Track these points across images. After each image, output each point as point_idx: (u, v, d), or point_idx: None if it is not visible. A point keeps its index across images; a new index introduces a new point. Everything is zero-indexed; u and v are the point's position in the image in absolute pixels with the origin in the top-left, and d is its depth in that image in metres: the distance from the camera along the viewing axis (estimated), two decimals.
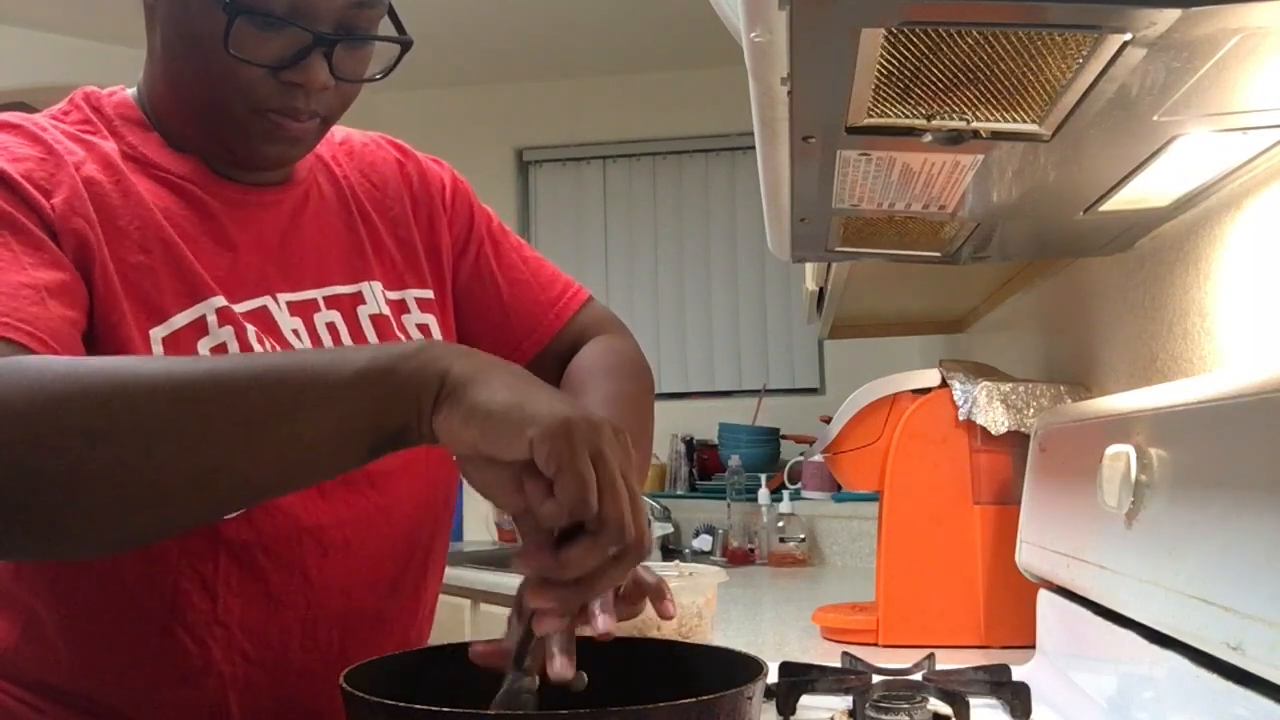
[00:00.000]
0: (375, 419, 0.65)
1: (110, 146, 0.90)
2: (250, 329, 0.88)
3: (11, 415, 0.62)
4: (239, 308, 0.90)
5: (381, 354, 0.66)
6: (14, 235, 0.79)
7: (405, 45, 0.92)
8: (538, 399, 0.63)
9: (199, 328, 0.86)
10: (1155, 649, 0.89)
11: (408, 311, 1.02)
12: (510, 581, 1.46)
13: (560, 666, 0.67)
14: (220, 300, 0.87)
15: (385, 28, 0.92)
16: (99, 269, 0.83)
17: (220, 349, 0.86)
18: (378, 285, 1.00)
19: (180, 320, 0.85)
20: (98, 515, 0.65)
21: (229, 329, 0.87)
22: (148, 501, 0.65)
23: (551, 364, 1.10)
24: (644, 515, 0.65)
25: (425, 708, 0.63)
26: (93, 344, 0.82)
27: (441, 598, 1.09)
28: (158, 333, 0.84)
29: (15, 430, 0.62)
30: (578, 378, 1.06)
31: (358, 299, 0.98)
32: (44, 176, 0.83)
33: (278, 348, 0.90)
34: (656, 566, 1.23)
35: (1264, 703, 0.71)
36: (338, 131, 1.07)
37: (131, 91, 0.96)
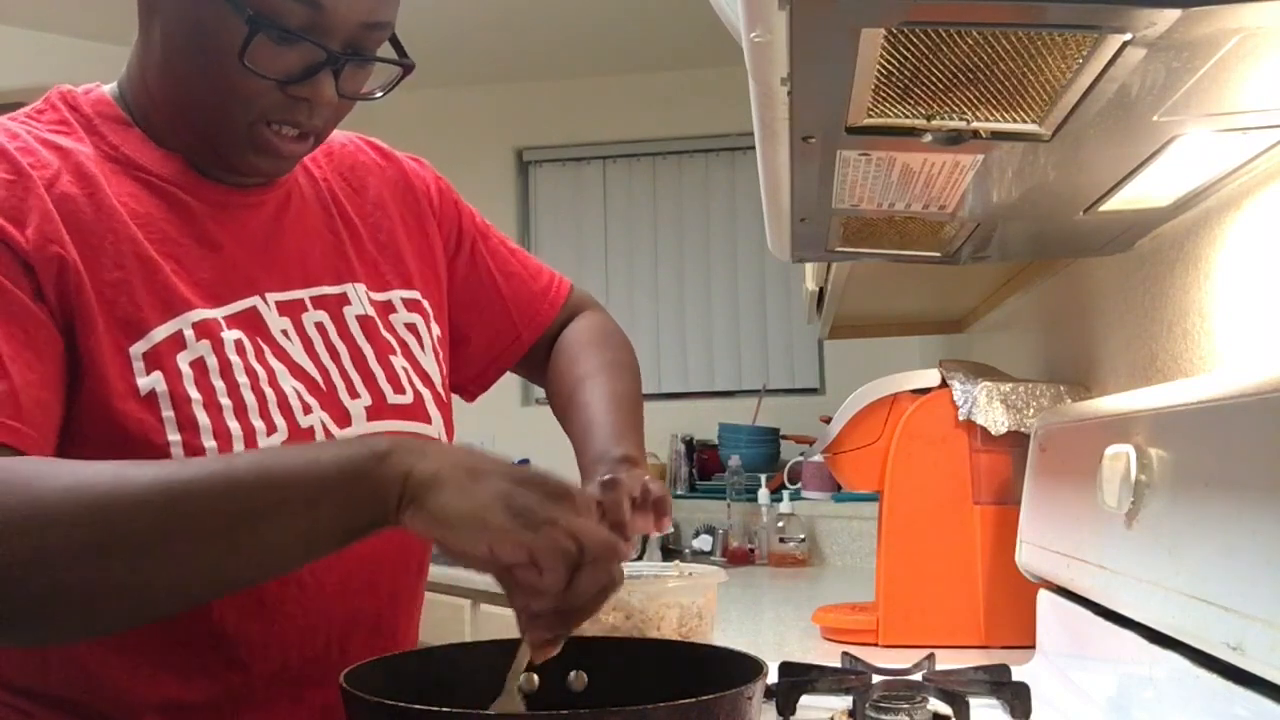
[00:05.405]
0: (345, 521, 0.70)
1: (86, 150, 0.89)
2: (229, 338, 0.88)
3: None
4: (226, 310, 0.89)
5: (350, 458, 0.70)
6: None
7: (407, 69, 0.93)
8: (489, 500, 0.68)
9: (177, 342, 0.86)
10: (1155, 649, 0.89)
11: (394, 311, 1.03)
12: None
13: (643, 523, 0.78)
14: (197, 314, 0.87)
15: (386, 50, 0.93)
16: (76, 290, 0.82)
17: (198, 362, 0.86)
18: (361, 287, 1.00)
19: (158, 334, 0.85)
20: (76, 615, 0.70)
21: (206, 343, 0.87)
22: (130, 605, 0.71)
23: (541, 345, 1.19)
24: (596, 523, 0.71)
25: (425, 708, 0.64)
26: (73, 366, 0.82)
27: (441, 598, 1.10)
28: (138, 348, 0.84)
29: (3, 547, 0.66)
30: (570, 350, 1.16)
31: (343, 299, 0.99)
32: (14, 206, 0.82)
33: (266, 349, 0.90)
34: (657, 567, 1.24)
35: (1264, 703, 0.71)
36: None
37: (109, 88, 0.95)
